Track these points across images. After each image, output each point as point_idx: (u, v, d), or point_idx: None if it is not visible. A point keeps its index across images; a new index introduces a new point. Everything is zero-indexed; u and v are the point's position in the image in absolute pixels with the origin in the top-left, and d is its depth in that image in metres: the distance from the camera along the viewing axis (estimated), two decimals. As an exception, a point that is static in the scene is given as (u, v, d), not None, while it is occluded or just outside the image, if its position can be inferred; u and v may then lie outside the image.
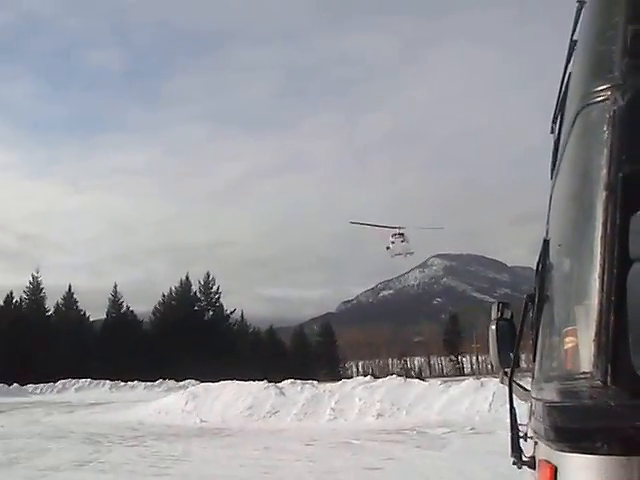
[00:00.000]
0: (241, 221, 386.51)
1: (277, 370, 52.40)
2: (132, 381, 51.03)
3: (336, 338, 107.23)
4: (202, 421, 22.00)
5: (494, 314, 3.07)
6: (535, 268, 2.64)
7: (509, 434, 2.70)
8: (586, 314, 1.93)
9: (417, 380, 26.90)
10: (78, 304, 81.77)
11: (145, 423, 22.33)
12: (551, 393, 2.17)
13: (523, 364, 3.03)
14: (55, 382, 50.77)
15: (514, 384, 2.79)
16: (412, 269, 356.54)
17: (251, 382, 25.19)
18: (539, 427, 2.18)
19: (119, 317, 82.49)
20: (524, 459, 2.68)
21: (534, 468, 2.52)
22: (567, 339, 2.11)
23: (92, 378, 51.54)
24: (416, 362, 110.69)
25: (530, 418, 2.54)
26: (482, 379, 22.91)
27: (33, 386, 49.53)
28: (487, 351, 3.25)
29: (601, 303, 1.87)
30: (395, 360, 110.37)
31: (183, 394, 25.90)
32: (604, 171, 1.93)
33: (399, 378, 24.50)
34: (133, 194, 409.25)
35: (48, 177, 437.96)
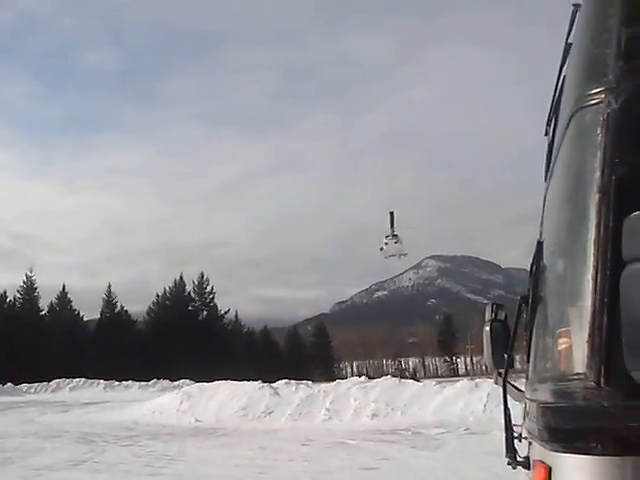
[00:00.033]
0: (236, 222, 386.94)
1: (271, 370, 52.32)
2: (126, 381, 50.81)
3: (330, 339, 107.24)
4: (197, 421, 21.97)
5: (488, 315, 3.08)
6: (529, 270, 2.66)
7: (504, 435, 2.72)
8: (580, 315, 1.94)
9: (412, 381, 26.92)
10: (72, 304, 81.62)
11: (140, 423, 22.27)
12: (545, 394, 2.17)
13: (517, 365, 3.04)
14: (49, 381, 50.48)
15: (508, 385, 2.79)
16: (406, 270, 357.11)
17: (245, 382, 25.15)
18: (533, 428, 2.18)
19: (113, 317, 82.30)
20: (518, 459, 2.69)
21: (529, 468, 2.52)
22: (561, 340, 2.11)
23: (86, 378, 51.34)
24: (410, 363, 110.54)
25: (524, 419, 2.55)
26: (477, 380, 22.97)
27: (27, 385, 49.27)
28: (481, 352, 3.26)
29: (595, 305, 1.88)
30: (389, 361, 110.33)
31: (178, 394, 25.85)
32: (598, 174, 1.93)
33: (394, 379, 24.54)
34: (127, 194, 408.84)
35: (42, 177, 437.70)
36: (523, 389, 2.72)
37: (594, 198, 1.93)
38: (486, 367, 3.71)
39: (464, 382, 22.47)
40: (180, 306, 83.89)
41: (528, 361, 2.65)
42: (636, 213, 1.78)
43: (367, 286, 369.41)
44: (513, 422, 2.70)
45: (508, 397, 2.77)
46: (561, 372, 2.09)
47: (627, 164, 1.90)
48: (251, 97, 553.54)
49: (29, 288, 78.26)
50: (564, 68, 2.63)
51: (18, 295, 77.82)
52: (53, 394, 46.19)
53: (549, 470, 2.03)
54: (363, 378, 26.21)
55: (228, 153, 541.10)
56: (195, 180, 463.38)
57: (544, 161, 2.94)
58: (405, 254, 57.13)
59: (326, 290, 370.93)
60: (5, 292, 76.19)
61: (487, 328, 3.05)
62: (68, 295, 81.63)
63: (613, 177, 1.90)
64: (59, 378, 51.27)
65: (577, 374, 1.93)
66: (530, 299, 2.55)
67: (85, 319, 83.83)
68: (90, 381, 50.89)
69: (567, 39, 2.59)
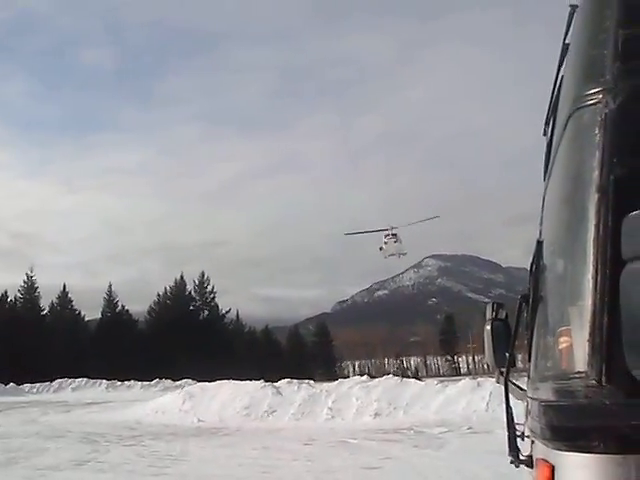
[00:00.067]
0: (236, 221, 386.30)
1: (273, 370, 52.37)
2: (128, 381, 50.84)
3: (332, 338, 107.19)
4: (199, 421, 21.97)
5: (489, 314, 3.09)
6: (529, 269, 2.67)
7: (506, 433, 2.73)
8: (580, 314, 1.95)
9: (414, 380, 26.88)
10: (73, 303, 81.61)
11: (142, 423, 22.28)
12: (547, 392, 2.19)
13: (519, 364, 3.05)
14: (51, 382, 50.48)
15: (510, 384, 2.81)
16: (407, 269, 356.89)
17: (248, 382, 25.15)
18: (535, 426, 2.20)
19: (114, 317, 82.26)
20: (521, 458, 2.70)
21: (532, 467, 2.53)
22: (561, 339, 2.13)
23: (88, 377, 51.37)
24: (412, 362, 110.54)
25: (526, 417, 2.56)
26: (479, 379, 22.95)
27: (29, 385, 49.29)
28: (483, 351, 3.27)
29: (595, 303, 1.90)
30: (391, 360, 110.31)
31: (180, 394, 25.84)
32: (596, 173, 1.96)
33: (396, 378, 24.51)
34: (127, 194, 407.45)
35: (41, 177, 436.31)
36: (525, 388, 2.73)
37: (593, 198, 1.95)
38: (488, 366, 3.72)
39: (466, 381, 22.44)
40: (181, 306, 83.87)
41: (529, 360, 2.66)
42: (635, 212, 1.79)
43: (368, 285, 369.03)
44: (515, 421, 2.72)
45: (510, 396, 2.79)
46: (562, 371, 2.11)
47: (625, 164, 1.92)
48: (250, 97, 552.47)
49: (30, 288, 78.23)
50: (562, 68, 2.64)
51: (19, 295, 77.89)
52: (55, 394, 46.21)
53: (552, 468, 2.04)
54: (365, 377, 26.15)
55: (227, 153, 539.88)
56: (195, 180, 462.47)
57: (543, 161, 2.95)
58: (404, 253, 57.00)
59: (327, 289, 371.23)
60: (6, 292, 76.24)
61: (488, 327, 3.06)
62: (69, 295, 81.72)
63: (611, 177, 1.92)
64: (61, 378, 51.30)
65: (578, 372, 1.95)
66: (531, 298, 2.57)
67: (86, 319, 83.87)
68: (92, 381, 50.91)
69: (565, 40, 2.60)
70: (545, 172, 2.81)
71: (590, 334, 1.90)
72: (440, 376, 77.60)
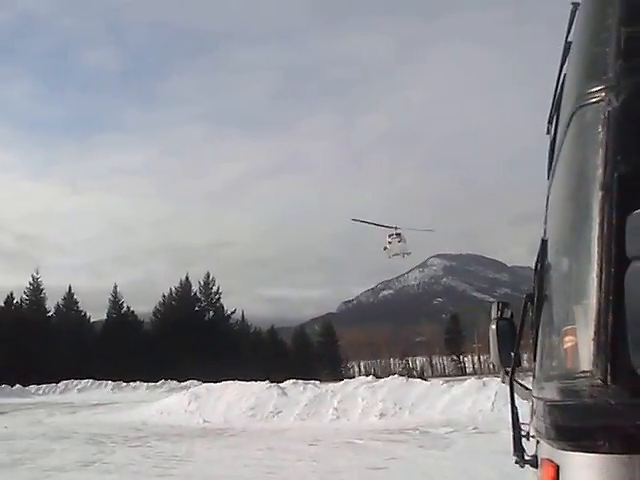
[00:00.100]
0: (240, 221, 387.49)
1: (279, 370, 52.30)
2: (134, 381, 50.92)
3: (337, 338, 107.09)
4: (205, 421, 22.01)
5: (494, 314, 3.08)
6: (534, 268, 2.66)
7: (511, 433, 2.72)
8: (585, 313, 1.95)
9: (419, 380, 26.90)
10: (78, 305, 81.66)
11: (148, 423, 22.33)
12: (552, 392, 2.18)
13: (525, 363, 3.04)
14: (57, 383, 50.62)
15: (515, 383, 2.80)
16: (412, 269, 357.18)
17: (253, 382, 25.19)
18: (540, 426, 2.19)
19: (120, 318, 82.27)
20: (526, 458, 2.69)
21: (537, 467, 2.52)
22: (567, 338, 2.12)
23: (94, 379, 51.43)
24: (418, 362, 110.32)
25: (532, 417, 2.55)
26: (484, 378, 22.93)
27: (35, 387, 49.49)
28: (488, 351, 3.26)
29: (599, 302, 1.89)
30: (397, 360, 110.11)
31: (185, 394, 25.90)
32: (600, 171, 1.95)
33: (401, 378, 24.52)
34: (131, 194, 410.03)
35: (46, 178, 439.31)
36: (530, 387, 2.72)
37: (597, 196, 1.94)
38: (493, 366, 3.71)
39: (472, 381, 22.43)
40: (186, 306, 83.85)
41: (534, 359, 2.65)
42: (639, 210, 1.79)
43: (373, 285, 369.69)
44: (521, 420, 2.71)
45: (515, 395, 2.78)
46: (567, 370, 2.10)
47: (629, 161, 1.92)
48: (253, 97, 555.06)
49: (35, 289, 78.39)
50: (564, 67, 2.64)
51: (25, 297, 77.98)
52: (61, 395, 46.36)
53: (557, 468, 2.04)
54: (370, 377, 26.21)
55: (231, 153, 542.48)
56: (199, 180, 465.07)
57: (546, 159, 2.94)
58: (409, 253, 56.77)
59: (332, 289, 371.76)
60: (12, 294, 76.43)
61: (493, 326, 3.04)
62: (74, 296, 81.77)
63: (615, 174, 1.92)
64: (67, 379, 51.41)
65: (583, 372, 1.94)
66: (536, 297, 2.56)
67: (92, 320, 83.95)
68: (98, 382, 50.97)
69: (567, 38, 2.59)
70: (549, 170, 2.80)
71: (595, 333, 1.90)
72: (446, 376, 77.50)
